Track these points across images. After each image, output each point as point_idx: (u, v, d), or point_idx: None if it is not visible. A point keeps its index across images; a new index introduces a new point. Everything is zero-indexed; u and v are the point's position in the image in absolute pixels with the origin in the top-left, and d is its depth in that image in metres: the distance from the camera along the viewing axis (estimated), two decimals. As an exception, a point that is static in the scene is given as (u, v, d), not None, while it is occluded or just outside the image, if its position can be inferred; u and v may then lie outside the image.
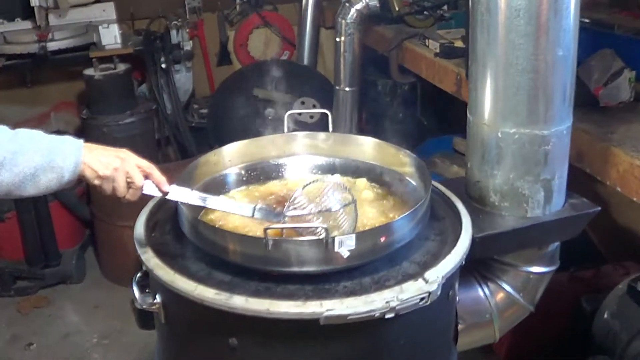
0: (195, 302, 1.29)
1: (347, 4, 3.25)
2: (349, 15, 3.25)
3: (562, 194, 1.73)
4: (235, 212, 1.48)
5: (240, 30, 4.41)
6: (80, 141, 1.34)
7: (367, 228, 1.50)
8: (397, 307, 1.25)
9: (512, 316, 1.89)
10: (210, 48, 4.37)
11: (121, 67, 3.53)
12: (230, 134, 3.39)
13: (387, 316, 1.25)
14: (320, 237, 1.29)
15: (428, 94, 3.57)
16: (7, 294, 3.46)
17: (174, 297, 1.34)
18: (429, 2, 3.33)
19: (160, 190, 1.40)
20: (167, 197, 1.41)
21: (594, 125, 1.96)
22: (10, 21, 3.78)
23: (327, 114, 1.86)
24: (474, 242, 1.49)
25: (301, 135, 1.83)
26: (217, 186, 1.72)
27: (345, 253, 1.30)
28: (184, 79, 3.99)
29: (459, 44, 2.80)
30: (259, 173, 1.79)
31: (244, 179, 1.78)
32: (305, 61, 4.17)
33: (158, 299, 1.41)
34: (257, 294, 1.30)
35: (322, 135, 1.83)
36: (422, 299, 1.28)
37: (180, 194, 1.42)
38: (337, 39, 3.31)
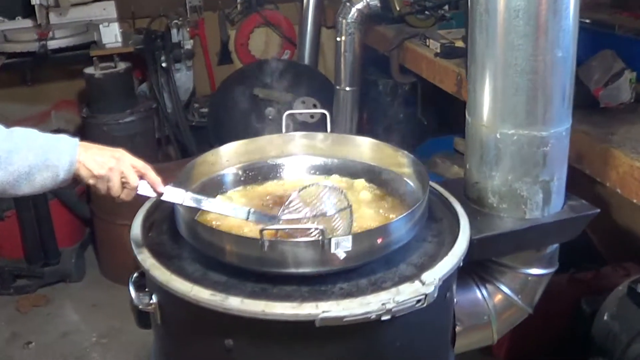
0: (191, 302, 1.29)
1: (348, 4, 3.25)
2: (350, 15, 3.25)
3: (561, 195, 1.72)
4: (230, 214, 1.47)
5: (241, 30, 4.41)
6: (76, 140, 1.33)
7: (364, 229, 1.49)
8: (393, 309, 1.24)
9: (510, 318, 1.88)
10: (211, 47, 4.37)
11: (122, 65, 3.54)
12: (231, 133, 3.38)
13: (383, 318, 1.25)
14: (317, 238, 1.29)
15: (429, 94, 3.55)
16: (6, 292, 3.46)
17: (170, 297, 1.34)
18: (430, 2, 3.32)
19: (154, 190, 1.39)
20: (162, 198, 1.41)
21: (594, 126, 1.96)
22: (11, 19, 3.79)
23: (326, 114, 1.85)
24: (471, 243, 1.48)
25: (299, 135, 1.82)
26: (215, 186, 1.71)
27: (341, 254, 1.30)
28: (184, 78, 3.99)
29: (459, 44, 2.79)
30: (256, 173, 1.78)
31: (242, 179, 1.77)
32: (306, 61, 4.17)
33: (154, 299, 1.41)
34: (252, 295, 1.30)
35: (320, 135, 1.82)
36: (418, 301, 1.27)
37: (175, 195, 1.41)
38: (338, 39, 3.31)
